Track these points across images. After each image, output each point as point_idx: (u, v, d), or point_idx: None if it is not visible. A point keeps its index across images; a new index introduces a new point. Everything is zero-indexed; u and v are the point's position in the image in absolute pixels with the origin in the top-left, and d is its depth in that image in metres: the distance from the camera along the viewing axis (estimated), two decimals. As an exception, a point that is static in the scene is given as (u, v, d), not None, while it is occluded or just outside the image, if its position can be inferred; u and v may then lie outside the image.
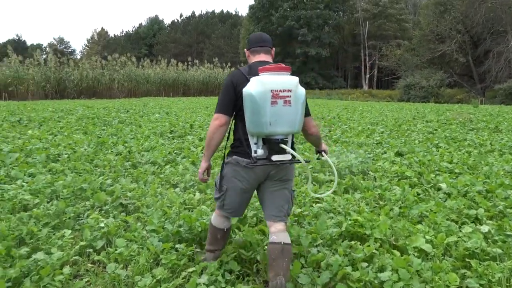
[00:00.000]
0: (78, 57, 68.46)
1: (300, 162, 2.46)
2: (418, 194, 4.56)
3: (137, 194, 4.25)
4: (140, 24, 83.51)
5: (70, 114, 12.81)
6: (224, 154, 2.69)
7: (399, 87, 39.70)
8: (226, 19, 78.80)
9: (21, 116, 11.27)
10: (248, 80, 2.38)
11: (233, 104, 2.48)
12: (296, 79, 2.39)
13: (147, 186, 4.72)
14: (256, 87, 2.30)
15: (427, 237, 3.15)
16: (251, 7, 57.32)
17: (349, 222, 3.42)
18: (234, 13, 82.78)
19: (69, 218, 3.63)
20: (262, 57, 2.62)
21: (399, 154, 7.09)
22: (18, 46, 65.37)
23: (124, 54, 35.42)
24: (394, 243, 3.21)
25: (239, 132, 2.52)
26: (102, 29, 79.32)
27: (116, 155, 6.47)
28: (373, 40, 54.05)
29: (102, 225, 3.35)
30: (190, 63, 39.40)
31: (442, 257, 2.99)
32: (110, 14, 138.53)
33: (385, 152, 7.24)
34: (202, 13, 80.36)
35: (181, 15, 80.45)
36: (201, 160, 2.69)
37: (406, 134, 9.83)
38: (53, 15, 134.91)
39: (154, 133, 8.82)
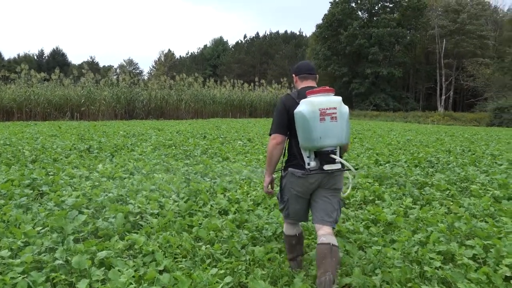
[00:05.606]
0: (146, 78, 70.20)
1: (350, 170, 2.71)
2: None
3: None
4: (205, 46, 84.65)
5: (143, 140, 11.29)
6: (282, 169, 2.97)
7: (489, 110, 35.58)
8: (290, 40, 77.55)
9: (90, 143, 9.83)
10: (297, 103, 2.71)
11: (287, 124, 2.81)
12: (339, 98, 2.69)
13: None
14: (306, 107, 2.61)
15: None
16: (318, 26, 55.61)
17: None
18: (298, 33, 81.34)
19: None
20: (310, 83, 2.97)
21: None
22: (92, 67, 68.06)
23: (191, 74, 34.84)
24: None
25: (293, 148, 2.86)
26: (169, 50, 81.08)
27: (220, 213, 4.50)
28: (449, 59, 49.92)
29: None
30: (257, 83, 38.02)
31: None
32: (177, 36, 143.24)
33: None
34: (266, 34, 79.75)
35: (245, 36, 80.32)
36: (265, 175, 3.02)
37: None
38: (124, 38, 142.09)
39: (253, 171, 6.76)
